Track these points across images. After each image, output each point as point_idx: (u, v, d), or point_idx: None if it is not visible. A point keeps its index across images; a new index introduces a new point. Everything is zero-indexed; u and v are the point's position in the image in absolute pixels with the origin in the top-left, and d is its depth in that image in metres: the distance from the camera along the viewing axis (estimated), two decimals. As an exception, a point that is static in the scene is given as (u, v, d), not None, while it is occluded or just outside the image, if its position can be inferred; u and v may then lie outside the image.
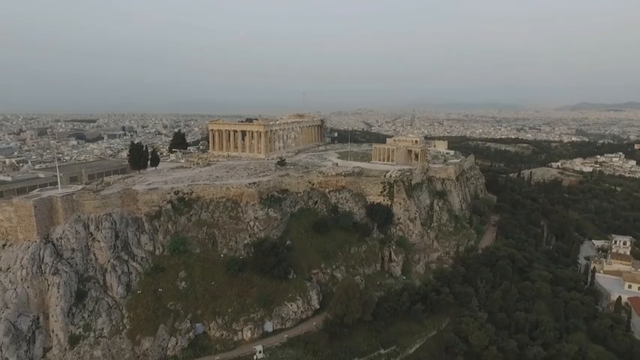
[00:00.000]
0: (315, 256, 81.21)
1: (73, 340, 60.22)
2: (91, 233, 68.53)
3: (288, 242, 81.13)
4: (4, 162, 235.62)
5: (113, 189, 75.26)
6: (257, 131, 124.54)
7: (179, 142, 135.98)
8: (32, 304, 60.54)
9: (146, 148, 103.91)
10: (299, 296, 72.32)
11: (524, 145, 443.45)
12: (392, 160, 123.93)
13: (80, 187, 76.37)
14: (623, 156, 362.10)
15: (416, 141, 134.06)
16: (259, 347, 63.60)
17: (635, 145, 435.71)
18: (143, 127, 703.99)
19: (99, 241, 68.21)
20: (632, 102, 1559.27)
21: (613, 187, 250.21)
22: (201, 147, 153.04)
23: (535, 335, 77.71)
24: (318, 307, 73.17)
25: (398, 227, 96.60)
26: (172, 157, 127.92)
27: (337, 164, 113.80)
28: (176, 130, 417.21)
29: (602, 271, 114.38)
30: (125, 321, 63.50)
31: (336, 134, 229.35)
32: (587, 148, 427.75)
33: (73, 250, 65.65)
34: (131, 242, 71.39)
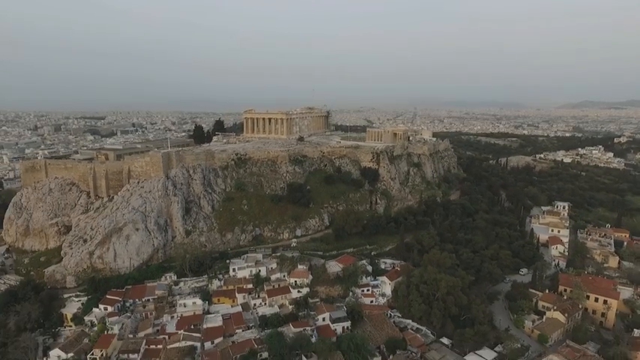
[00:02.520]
0: (325, 196, 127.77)
1: (187, 233, 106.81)
2: (190, 175, 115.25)
3: (308, 187, 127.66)
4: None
5: (199, 149, 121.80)
6: (280, 118, 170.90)
7: (219, 127, 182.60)
8: (164, 212, 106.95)
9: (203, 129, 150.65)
10: (316, 216, 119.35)
11: (513, 139, 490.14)
12: (381, 140, 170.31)
13: (179, 148, 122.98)
14: (602, 149, 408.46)
15: (400, 128, 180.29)
16: (294, 241, 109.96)
17: (615, 139, 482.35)
18: (152, 123, 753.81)
19: (195, 180, 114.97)
20: (633, 100, 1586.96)
21: (579, 173, 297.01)
22: (234, 132, 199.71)
23: (468, 246, 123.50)
24: (328, 224, 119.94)
25: (382, 183, 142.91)
26: (215, 138, 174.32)
27: (340, 142, 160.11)
28: (184, 126, 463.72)
29: (537, 223, 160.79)
30: (215, 224, 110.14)
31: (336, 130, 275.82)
32: (571, 142, 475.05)
33: (181, 183, 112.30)
34: (212, 182, 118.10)
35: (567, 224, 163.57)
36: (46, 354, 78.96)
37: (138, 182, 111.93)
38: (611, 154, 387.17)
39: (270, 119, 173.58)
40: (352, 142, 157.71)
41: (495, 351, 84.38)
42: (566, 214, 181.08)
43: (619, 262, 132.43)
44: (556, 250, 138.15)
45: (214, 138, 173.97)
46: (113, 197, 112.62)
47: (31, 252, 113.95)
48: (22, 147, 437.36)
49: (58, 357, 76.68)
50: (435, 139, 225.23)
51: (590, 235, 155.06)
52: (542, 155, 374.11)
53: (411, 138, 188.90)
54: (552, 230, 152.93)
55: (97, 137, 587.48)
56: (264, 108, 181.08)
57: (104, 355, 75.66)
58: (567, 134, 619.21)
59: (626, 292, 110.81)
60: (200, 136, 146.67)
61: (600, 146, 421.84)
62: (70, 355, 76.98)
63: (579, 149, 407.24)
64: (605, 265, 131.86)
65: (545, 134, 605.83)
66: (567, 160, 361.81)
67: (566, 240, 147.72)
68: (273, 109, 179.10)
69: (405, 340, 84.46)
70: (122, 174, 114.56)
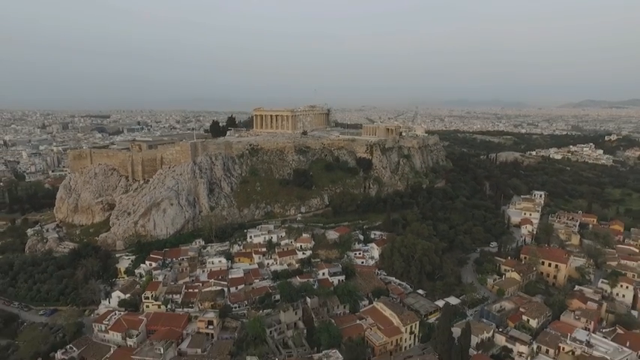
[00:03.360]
0: (325, 181, 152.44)
1: (211, 208, 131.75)
2: (213, 162, 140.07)
3: (311, 173, 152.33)
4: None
5: (220, 140, 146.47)
6: (286, 115, 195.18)
7: (231, 123, 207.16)
8: (192, 191, 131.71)
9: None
10: (318, 197, 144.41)
11: (508, 137, 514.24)
12: (375, 135, 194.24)
13: (202, 139, 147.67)
14: (593, 146, 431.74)
15: (393, 124, 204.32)
16: (299, 215, 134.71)
17: (606, 137, 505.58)
18: (157, 122, 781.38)
19: (216, 165, 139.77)
20: (635, 99, 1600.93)
21: (564, 167, 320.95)
22: (245, 127, 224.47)
23: (446, 222, 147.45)
24: (327, 203, 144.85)
25: (375, 171, 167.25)
26: (228, 132, 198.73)
27: (339, 136, 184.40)
28: (188, 124, 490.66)
29: (513, 208, 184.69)
30: (233, 202, 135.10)
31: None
32: (564, 140, 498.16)
33: (206, 168, 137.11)
34: (230, 168, 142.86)
35: (539, 209, 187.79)
36: (107, 297, 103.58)
37: (169, 167, 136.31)
38: (601, 151, 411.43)
39: (277, 116, 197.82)
40: (349, 136, 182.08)
41: (459, 299, 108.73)
42: (541, 202, 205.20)
43: (580, 240, 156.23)
44: (525, 230, 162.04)
45: (228, 132, 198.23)
46: (148, 180, 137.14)
47: (80, 226, 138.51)
48: (36, 144, 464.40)
49: (119, 297, 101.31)
50: (426, 134, 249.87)
51: (559, 218, 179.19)
52: (534, 152, 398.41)
53: (403, 133, 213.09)
54: (525, 213, 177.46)
55: (104, 135, 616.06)
56: (266, 106, 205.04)
57: (154, 295, 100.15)
58: (565, 133, 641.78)
59: (579, 261, 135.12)
60: (217, 130, 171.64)
61: (591, 144, 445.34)
62: (127, 295, 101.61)
63: (571, 146, 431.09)
64: (568, 242, 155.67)
65: (542, 133, 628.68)
66: (558, 156, 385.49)
67: (536, 221, 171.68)
68: (279, 108, 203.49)
69: (388, 290, 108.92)
70: (156, 161, 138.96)
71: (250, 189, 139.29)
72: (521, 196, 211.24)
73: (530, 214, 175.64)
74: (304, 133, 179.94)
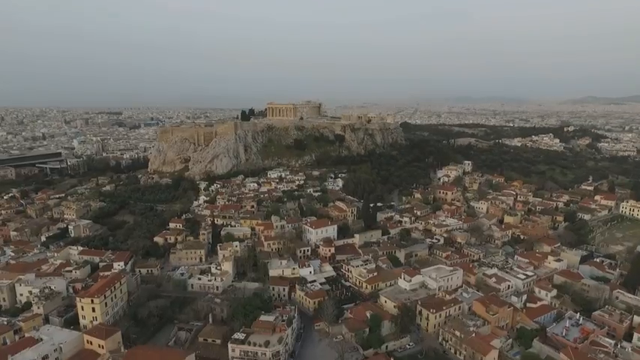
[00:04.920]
0: (314, 147, 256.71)
1: (246, 160, 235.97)
2: (246, 134, 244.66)
3: (305, 142, 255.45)
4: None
5: (249, 122, 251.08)
6: (289, 108, 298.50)
7: (251, 113, 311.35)
8: (235, 150, 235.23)
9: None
10: (308, 155, 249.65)
11: (482, 128, 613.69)
12: (349, 120, 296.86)
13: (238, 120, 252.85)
14: (552, 136, 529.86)
15: (363, 114, 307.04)
16: (297, 165, 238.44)
17: (564, 129, 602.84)
18: (169, 117, 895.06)
19: (248, 136, 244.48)
20: (636, 95, 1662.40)
21: (509, 150, 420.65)
22: (261, 115, 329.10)
23: (388, 171, 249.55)
24: (314, 159, 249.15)
25: (346, 142, 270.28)
26: (252, 118, 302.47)
27: (324, 120, 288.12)
28: (197, 120, 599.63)
29: (442, 170, 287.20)
30: (259, 156, 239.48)
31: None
32: (530, 131, 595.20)
33: (242, 137, 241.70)
34: (256, 137, 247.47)
35: (461, 171, 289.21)
36: (197, 199, 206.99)
37: (221, 137, 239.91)
38: (557, 140, 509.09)
39: (283, 108, 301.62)
40: (331, 120, 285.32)
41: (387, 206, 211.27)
42: (466, 168, 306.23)
43: (479, 185, 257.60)
44: (442, 180, 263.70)
45: (252, 118, 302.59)
46: (208, 144, 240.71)
47: (166, 172, 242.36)
48: (72, 136, 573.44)
49: (203, 199, 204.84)
50: (393, 122, 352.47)
51: (473, 176, 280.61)
52: (506, 141, 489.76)
53: (371, 120, 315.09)
54: (446, 172, 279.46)
55: (125, 128, 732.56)
56: (267, 100, 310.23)
57: (223, 197, 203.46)
58: (542, 126, 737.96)
59: (458, 193, 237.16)
60: (245, 116, 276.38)
61: (551, 134, 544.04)
62: (208, 198, 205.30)
63: (533, 136, 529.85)
64: (470, 188, 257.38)
65: (525, 126, 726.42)
66: (518, 144, 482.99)
67: (452, 176, 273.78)
68: (285, 102, 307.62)
69: (343, 199, 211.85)
70: (212, 133, 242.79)
71: (268, 150, 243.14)
72: (451, 164, 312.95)
73: (450, 172, 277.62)
74: (301, 118, 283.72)
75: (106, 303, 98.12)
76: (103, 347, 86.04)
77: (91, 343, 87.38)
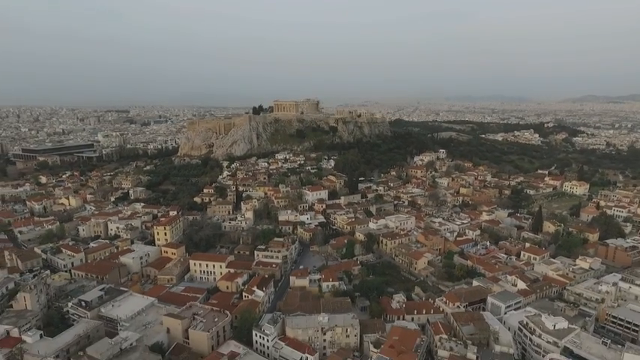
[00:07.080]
0: (312, 136, 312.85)
1: (258, 145, 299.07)
2: (257, 124, 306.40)
3: (305, 132, 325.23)
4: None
5: (260, 115, 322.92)
6: (291, 104, 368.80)
7: (260, 109, 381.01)
8: (249, 137, 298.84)
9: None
10: (307, 142, 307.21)
11: (470, 124, 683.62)
12: (342, 115, 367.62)
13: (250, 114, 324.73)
14: (532, 131, 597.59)
15: (354, 109, 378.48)
16: (299, 149, 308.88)
17: (545, 125, 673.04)
18: (175, 115, 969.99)
19: (259, 126, 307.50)
20: (635, 94, 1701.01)
21: (486, 142, 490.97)
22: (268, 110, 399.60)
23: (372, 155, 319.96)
24: (312, 145, 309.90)
25: (339, 133, 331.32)
26: (261, 112, 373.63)
27: (320, 115, 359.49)
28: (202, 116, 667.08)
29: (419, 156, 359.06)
30: (268, 143, 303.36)
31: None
32: (513, 127, 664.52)
33: (255, 127, 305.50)
34: (266, 128, 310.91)
35: (432, 157, 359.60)
36: (222, 172, 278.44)
37: (238, 127, 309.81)
38: (536, 135, 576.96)
39: (287, 104, 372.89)
40: (326, 115, 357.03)
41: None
42: (440, 155, 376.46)
43: (448, 167, 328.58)
44: (419, 162, 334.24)
45: (261, 112, 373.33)
46: (227, 133, 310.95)
47: (195, 156, 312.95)
48: (91, 132, 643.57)
49: (227, 174, 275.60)
50: (380, 116, 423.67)
51: (444, 161, 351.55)
52: (490, 136, 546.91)
53: (361, 115, 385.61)
54: (421, 157, 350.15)
55: (136, 125, 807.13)
56: (268, 99, 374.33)
57: (242, 172, 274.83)
58: (531, 122, 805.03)
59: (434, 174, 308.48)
60: (256, 111, 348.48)
61: (531, 129, 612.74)
62: (230, 173, 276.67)
63: (515, 132, 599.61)
64: (440, 169, 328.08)
65: (519, 123, 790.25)
66: (499, 139, 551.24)
67: (426, 160, 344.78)
68: (288, 100, 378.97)
69: (335, 176, 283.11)
70: (231, 124, 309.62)
71: (275, 137, 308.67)
72: (427, 151, 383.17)
73: (425, 158, 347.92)
74: (302, 113, 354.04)
75: (172, 230, 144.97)
76: (175, 254, 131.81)
77: (167, 252, 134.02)
